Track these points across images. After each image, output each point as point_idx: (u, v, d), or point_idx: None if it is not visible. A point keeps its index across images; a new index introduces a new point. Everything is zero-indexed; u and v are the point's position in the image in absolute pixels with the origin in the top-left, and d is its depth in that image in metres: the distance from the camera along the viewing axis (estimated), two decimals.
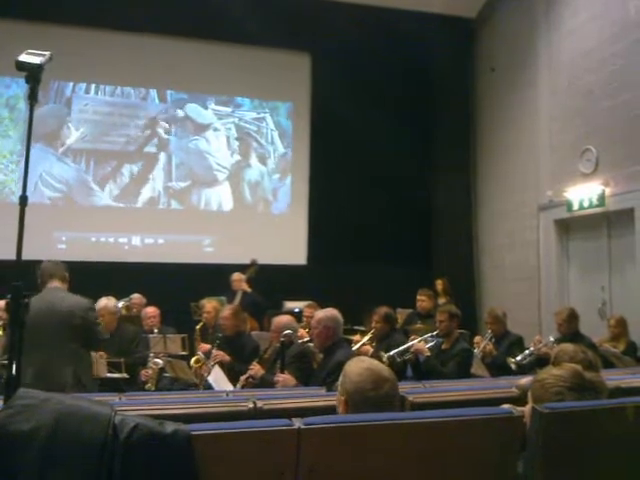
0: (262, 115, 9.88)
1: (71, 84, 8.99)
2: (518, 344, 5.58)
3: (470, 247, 9.84)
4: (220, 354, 4.94)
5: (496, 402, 2.42)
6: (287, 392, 3.39)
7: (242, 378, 4.39)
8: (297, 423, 1.80)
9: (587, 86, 7.46)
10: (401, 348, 4.86)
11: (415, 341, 4.94)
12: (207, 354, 5.28)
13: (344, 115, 8.89)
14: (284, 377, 4.02)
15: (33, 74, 2.34)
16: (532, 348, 5.27)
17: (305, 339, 4.80)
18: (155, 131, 9.35)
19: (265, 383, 4.18)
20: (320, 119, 9.64)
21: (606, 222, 7.40)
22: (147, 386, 5.04)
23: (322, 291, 7.35)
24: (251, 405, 2.51)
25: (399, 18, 8.98)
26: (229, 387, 4.29)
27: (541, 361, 4.89)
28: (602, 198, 7.13)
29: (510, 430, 1.97)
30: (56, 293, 3.87)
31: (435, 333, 5.00)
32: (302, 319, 6.27)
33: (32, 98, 2.37)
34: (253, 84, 9.56)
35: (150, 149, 9.32)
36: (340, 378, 2.14)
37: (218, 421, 1.92)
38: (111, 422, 1.69)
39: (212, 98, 9.62)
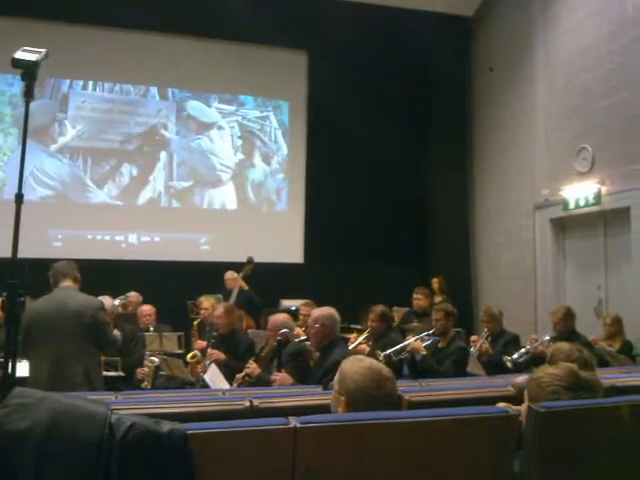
0: (266, 114, 9.86)
1: (68, 81, 8.95)
2: (514, 343, 5.59)
3: (466, 246, 9.86)
4: (215, 353, 4.94)
5: (492, 401, 2.42)
6: (284, 391, 3.39)
7: (238, 376, 4.38)
8: (293, 422, 1.79)
9: (584, 84, 7.46)
10: (397, 347, 4.86)
11: (411, 340, 4.94)
12: (203, 352, 5.28)
13: (341, 113, 8.89)
14: (281, 376, 4.01)
15: (29, 71, 2.33)
16: (528, 347, 5.28)
17: (302, 337, 4.80)
18: (156, 129, 9.31)
19: (262, 382, 4.18)
20: (317, 117, 9.63)
21: (602, 221, 7.41)
22: (143, 384, 5.03)
23: (319, 289, 7.36)
24: (247, 404, 2.51)
25: (396, 16, 8.99)
26: (225, 385, 4.28)
27: (537, 360, 4.89)
28: (598, 197, 7.14)
29: (506, 429, 1.97)
30: (67, 292, 3.88)
31: (431, 332, 5.01)
32: (299, 317, 6.28)
33: (28, 95, 2.36)
34: (251, 82, 9.56)
35: (150, 147, 9.28)
36: (337, 377, 2.13)
37: (214, 420, 1.91)
38: (107, 421, 1.69)
39: (215, 96, 9.58)
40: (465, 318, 8.18)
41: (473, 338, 5.71)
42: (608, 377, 3.08)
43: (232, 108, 9.70)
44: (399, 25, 8.97)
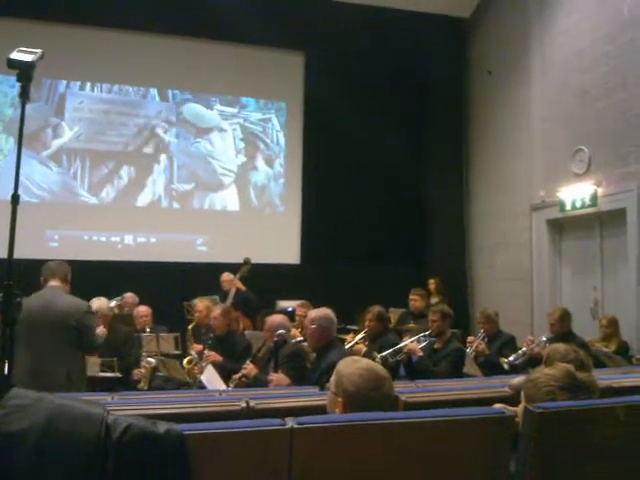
0: (268, 116, 9.85)
1: (65, 81, 8.90)
2: (510, 344, 5.60)
3: (463, 247, 9.87)
4: (212, 355, 4.94)
5: (489, 402, 2.43)
6: (280, 392, 3.39)
7: (235, 377, 4.38)
8: (290, 423, 1.79)
9: (580, 86, 7.48)
10: (394, 348, 4.86)
11: (408, 341, 4.95)
12: (200, 354, 5.28)
13: (338, 114, 8.89)
14: (277, 377, 4.01)
15: (25, 72, 2.32)
16: (524, 348, 5.30)
17: (299, 338, 4.80)
18: (155, 131, 9.28)
19: (258, 382, 4.18)
20: (314, 118, 9.63)
21: (598, 222, 7.42)
22: (140, 385, 5.03)
23: (315, 290, 7.35)
24: (244, 405, 2.51)
25: (393, 18, 9.00)
26: (222, 386, 4.28)
27: (533, 361, 4.91)
28: (594, 198, 7.15)
29: (502, 430, 1.98)
30: (54, 292, 3.86)
31: (428, 333, 5.01)
32: (295, 318, 6.27)
33: (24, 96, 2.35)
34: (249, 83, 9.55)
35: (150, 150, 9.25)
36: (333, 379, 2.13)
37: (211, 421, 1.91)
38: (104, 422, 1.69)
39: (216, 98, 9.56)
40: (461, 319, 8.20)
41: (470, 339, 5.72)
42: (604, 378, 3.09)
43: (234, 110, 9.68)
44: (396, 27, 8.99)
